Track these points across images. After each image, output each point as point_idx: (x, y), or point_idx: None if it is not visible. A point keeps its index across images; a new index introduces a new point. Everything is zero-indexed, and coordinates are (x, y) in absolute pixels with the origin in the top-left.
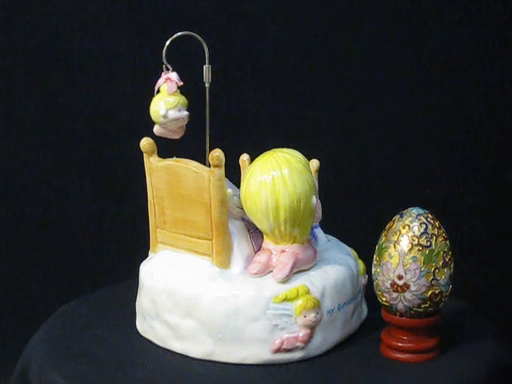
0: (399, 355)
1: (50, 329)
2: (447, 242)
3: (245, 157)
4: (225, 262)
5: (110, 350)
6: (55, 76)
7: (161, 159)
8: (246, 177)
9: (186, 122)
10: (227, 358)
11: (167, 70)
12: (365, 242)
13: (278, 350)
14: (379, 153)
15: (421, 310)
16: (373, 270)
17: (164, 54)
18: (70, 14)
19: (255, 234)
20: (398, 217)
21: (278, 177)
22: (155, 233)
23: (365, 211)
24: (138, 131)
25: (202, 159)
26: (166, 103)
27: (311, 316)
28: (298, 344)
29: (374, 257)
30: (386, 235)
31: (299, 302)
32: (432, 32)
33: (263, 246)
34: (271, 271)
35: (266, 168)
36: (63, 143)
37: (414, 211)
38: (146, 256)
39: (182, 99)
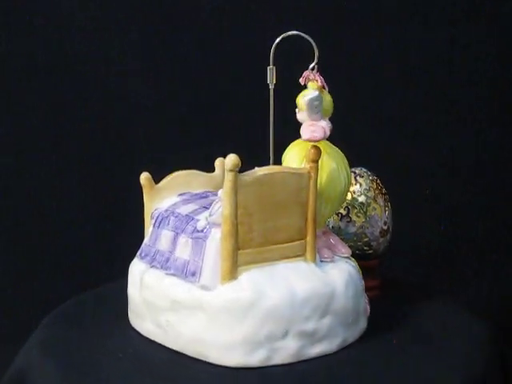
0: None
1: (47, 329)
2: None
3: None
4: (315, 256)
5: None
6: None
7: (245, 173)
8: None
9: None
10: (353, 338)
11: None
12: None
13: (368, 316)
14: (377, 152)
15: (387, 247)
16: (356, 227)
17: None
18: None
19: None
20: (357, 177)
21: (342, 159)
22: (235, 257)
23: None
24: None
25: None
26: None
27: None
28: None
29: (353, 218)
30: (360, 195)
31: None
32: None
33: None
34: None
35: (330, 153)
36: (63, 144)
37: (363, 169)
38: None
39: None
